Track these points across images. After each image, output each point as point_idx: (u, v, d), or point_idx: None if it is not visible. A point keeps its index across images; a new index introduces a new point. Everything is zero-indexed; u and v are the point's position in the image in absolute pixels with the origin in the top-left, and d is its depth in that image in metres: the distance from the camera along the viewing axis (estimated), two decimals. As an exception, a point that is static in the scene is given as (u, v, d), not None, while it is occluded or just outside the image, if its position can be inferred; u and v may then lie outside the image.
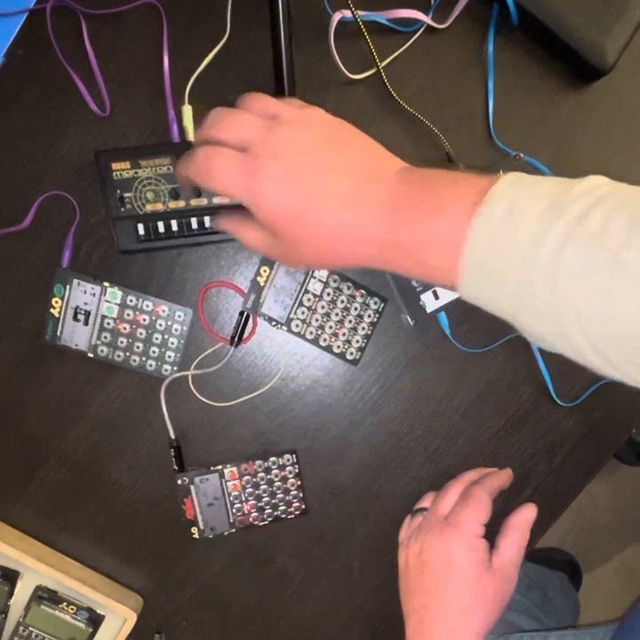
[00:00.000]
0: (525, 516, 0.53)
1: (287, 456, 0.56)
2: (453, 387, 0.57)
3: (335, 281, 0.53)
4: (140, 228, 0.51)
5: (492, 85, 0.53)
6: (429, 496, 0.56)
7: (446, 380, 0.57)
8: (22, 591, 0.56)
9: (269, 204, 0.38)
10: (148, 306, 0.53)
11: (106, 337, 0.54)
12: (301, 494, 0.57)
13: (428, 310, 0.53)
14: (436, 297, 0.53)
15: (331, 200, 0.38)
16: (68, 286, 0.52)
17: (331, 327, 0.54)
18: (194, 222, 0.51)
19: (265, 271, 0.52)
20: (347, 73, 0.51)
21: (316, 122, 0.40)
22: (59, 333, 0.53)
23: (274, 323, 0.54)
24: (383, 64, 0.51)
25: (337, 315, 0.54)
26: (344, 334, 0.54)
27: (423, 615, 0.50)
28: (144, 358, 0.54)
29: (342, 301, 0.54)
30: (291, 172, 0.38)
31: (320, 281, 0.53)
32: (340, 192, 0.38)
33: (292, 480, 0.56)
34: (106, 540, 0.58)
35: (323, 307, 0.54)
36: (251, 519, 0.56)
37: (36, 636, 0.57)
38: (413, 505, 0.57)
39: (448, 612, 0.49)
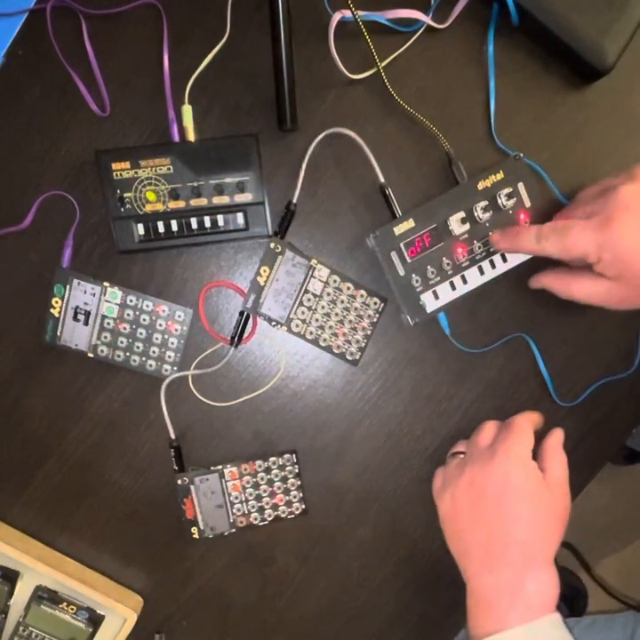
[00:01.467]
0: (557, 437, 0.52)
1: (287, 456, 0.56)
2: (453, 387, 0.57)
3: (335, 281, 0.53)
4: (140, 228, 0.51)
5: (493, 85, 0.53)
6: (462, 442, 0.55)
7: (446, 380, 0.57)
8: (22, 591, 0.57)
9: (626, 248, 0.44)
10: (148, 306, 0.53)
11: (106, 337, 0.54)
12: (301, 494, 0.57)
13: (428, 310, 0.53)
14: (436, 297, 0.53)
15: None
16: (67, 286, 0.52)
17: (331, 327, 0.54)
18: (194, 222, 0.51)
19: (265, 271, 0.52)
20: (347, 73, 0.51)
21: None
22: (59, 333, 0.53)
23: (274, 323, 0.53)
24: (383, 64, 0.51)
25: (337, 315, 0.54)
26: (344, 334, 0.54)
27: (489, 545, 0.48)
28: (144, 358, 0.54)
29: (342, 301, 0.54)
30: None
31: (320, 281, 0.53)
32: None
33: (292, 480, 0.57)
34: (106, 540, 0.58)
35: (323, 307, 0.54)
36: (251, 519, 0.57)
37: (36, 636, 0.57)
38: (413, 505, 0.57)
39: (517, 535, 0.48)
